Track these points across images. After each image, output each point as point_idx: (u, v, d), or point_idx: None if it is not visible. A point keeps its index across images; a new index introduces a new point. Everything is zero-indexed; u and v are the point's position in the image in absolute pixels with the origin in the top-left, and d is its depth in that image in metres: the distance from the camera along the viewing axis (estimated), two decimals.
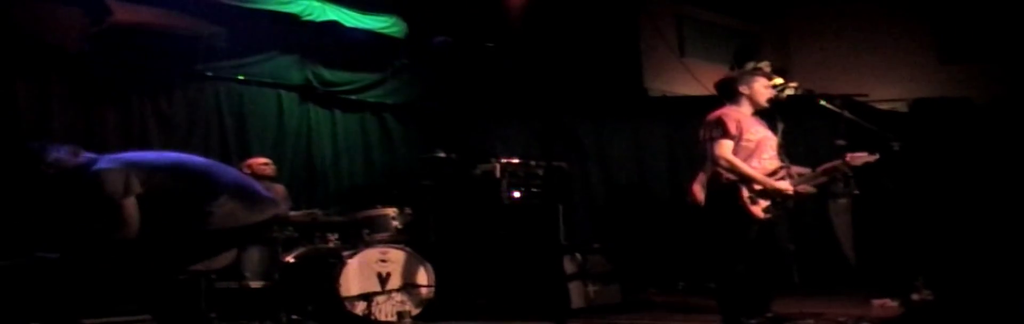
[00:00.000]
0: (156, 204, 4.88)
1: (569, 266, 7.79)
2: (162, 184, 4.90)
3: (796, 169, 6.00)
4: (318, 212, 7.87)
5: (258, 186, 5.25)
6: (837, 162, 5.96)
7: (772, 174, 5.85)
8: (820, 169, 6.05)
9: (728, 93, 6.09)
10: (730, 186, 5.73)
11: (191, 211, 4.90)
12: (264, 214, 4.99)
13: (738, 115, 5.94)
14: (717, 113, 5.97)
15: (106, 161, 4.97)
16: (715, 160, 5.77)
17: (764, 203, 5.74)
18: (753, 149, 5.85)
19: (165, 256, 4.93)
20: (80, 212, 5.16)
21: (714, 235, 6.06)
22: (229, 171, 5.19)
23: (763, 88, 6.04)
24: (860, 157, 5.90)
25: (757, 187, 5.74)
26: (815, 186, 6.13)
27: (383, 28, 9.62)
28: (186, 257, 4.97)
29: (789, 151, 8.48)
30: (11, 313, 5.51)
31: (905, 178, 7.76)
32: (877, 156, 5.91)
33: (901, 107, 11.60)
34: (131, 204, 4.78)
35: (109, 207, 4.79)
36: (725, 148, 5.76)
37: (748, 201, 5.70)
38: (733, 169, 5.72)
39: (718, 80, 6.29)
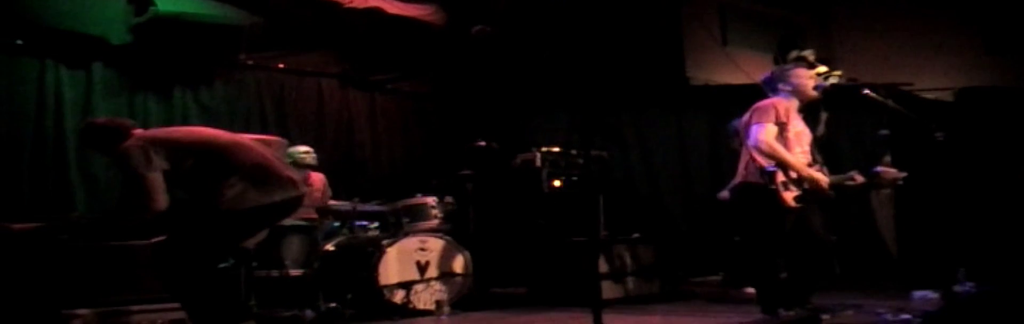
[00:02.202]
0: (176, 182, 4.94)
1: (607, 256, 7.77)
2: (184, 162, 4.95)
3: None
4: (358, 201, 7.89)
5: (280, 166, 5.20)
6: (853, 176, 5.93)
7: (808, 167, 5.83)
8: (834, 179, 6.00)
9: (771, 89, 6.08)
10: (768, 172, 5.70)
11: (206, 191, 4.94)
12: (274, 196, 4.95)
13: (787, 105, 5.92)
14: (768, 100, 5.96)
15: (136, 137, 5.03)
16: (756, 143, 5.75)
17: (796, 191, 5.70)
18: (792, 140, 5.83)
19: (187, 238, 4.96)
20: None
21: (749, 223, 6.04)
22: (251, 150, 5.16)
23: (805, 79, 6.02)
24: (891, 173, 5.86)
25: (793, 174, 5.71)
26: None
27: (424, 16, 9.63)
28: (207, 239, 4.97)
29: (833, 140, 8.45)
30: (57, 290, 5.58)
31: (950, 168, 7.68)
32: (905, 174, 5.86)
33: (947, 96, 11.46)
34: (155, 178, 4.83)
35: (135, 181, 4.86)
36: (769, 133, 5.74)
37: (781, 186, 5.67)
38: (773, 154, 5.70)
39: (762, 78, 6.26)
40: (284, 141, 5.78)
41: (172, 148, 4.98)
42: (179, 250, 4.92)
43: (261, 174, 5.00)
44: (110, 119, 5.43)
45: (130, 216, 4.98)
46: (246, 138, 5.37)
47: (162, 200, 4.84)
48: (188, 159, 4.97)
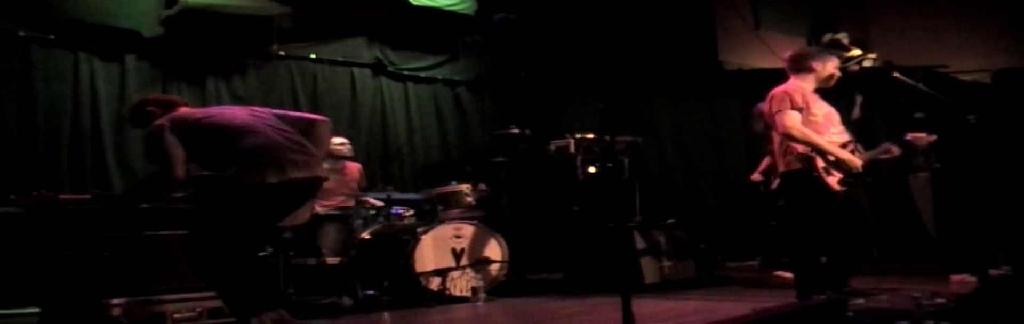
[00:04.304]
0: (194, 159, 5.11)
1: (642, 242, 7.77)
2: (194, 141, 5.06)
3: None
4: (392, 189, 7.94)
5: (287, 149, 5.19)
6: (889, 148, 5.91)
7: (842, 147, 5.81)
8: (870, 154, 5.99)
9: (799, 67, 6.05)
10: (804, 158, 5.70)
11: (214, 171, 5.05)
12: (269, 178, 4.96)
13: (802, 89, 5.92)
14: (781, 88, 5.96)
15: (165, 117, 5.20)
16: (786, 131, 5.74)
17: (838, 175, 5.70)
18: (821, 123, 5.82)
19: (208, 222, 5.05)
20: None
21: (796, 209, 6.02)
22: (259, 134, 5.19)
23: (833, 68, 6.00)
24: (921, 138, 5.83)
25: (830, 158, 5.71)
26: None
27: (453, 5, 9.63)
28: (225, 221, 5.04)
29: (869, 123, 8.39)
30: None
31: (987, 151, 7.61)
32: (934, 137, 5.83)
33: (984, 78, 11.34)
34: (173, 151, 5.01)
35: (156, 153, 5.06)
36: (794, 119, 5.74)
37: (823, 172, 5.67)
38: (806, 140, 5.69)
39: (792, 53, 6.22)
40: (326, 121, 5.77)
41: (185, 128, 5.10)
42: (206, 235, 4.99)
43: (260, 157, 5.02)
44: (157, 97, 5.60)
45: (158, 185, 5.16)
46: (270, 118, 5.40)
47: (180, 170, 5.02)
48: (198, 139, 5.08)
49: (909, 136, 5.86)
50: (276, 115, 5.53)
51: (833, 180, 5.71)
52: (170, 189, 5.29)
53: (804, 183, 5.80)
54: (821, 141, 5.73)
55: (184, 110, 5.38)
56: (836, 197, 5.75)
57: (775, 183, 7.41)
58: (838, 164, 5.75)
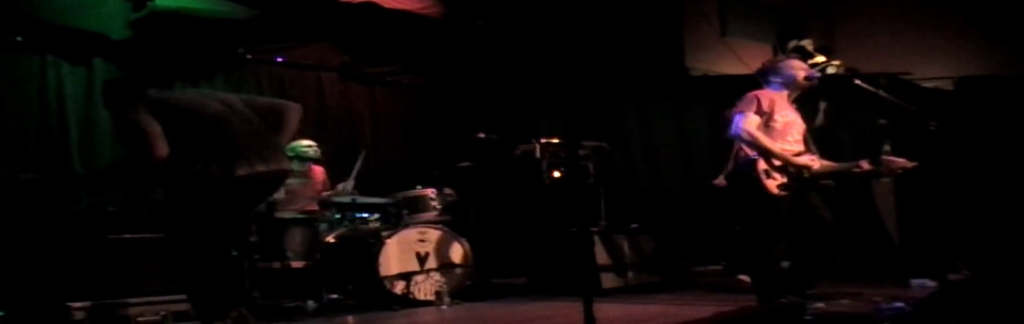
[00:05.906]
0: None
1: (607, 246, 7.81)
2: (162, 121, 5.05)
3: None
4: (357, 193, 7.94)
5: (249, 141, 5.20)
6: (860, 164, 5.95)
7: (796, 156, 5.88)
8: (841, 166, 6.05)
9: (765, 81, 6.16)
10: (749, 160, 5.78)
11: (179, 161, 5.05)
12: (237, 171, 4.98)
13: (774, 96, 5.99)
14: (754, 92, 6.03)
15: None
16: (737, 132, 5.84)
17: (780, 179, 5.77)
18: (780, 130, 5.89)
19: (175, 217, 5.07)
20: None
21: (743, 212, 6.10)
22: (227, 127, 5.20)
23: (796, 70, 6.07)
24: (898, 163, 5.88)
25: (776, 162, 5.78)
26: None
27: (421, 9, 9.64)
28: (191, 214, 5.06)
29: (833, 129, 8.46)
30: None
31: (949, 158, 7.68)
32: (915, 164, 5.89)
33: (946, 85, 11.45)
34: (152, 128, 5.00)
35: (135, 132, 5.06)
36: (750, 122, 5.83)
37: (763, 174, 5.74)
38: (754, 142, 5.78)
39: (757, 71, 6.32)
40: (296, 107, 5.80)
41: (159, 105, 5.11)
42: (178, 233, 5.01)
43: (229, 149, 5.05)
44: (128, 78, 5.59)
45: (136, 165, 5.16)
46: (238, 104, 5.41)
47: (162, 147, 4.99)
48: (168, 120, 5.07)
49: (884, 158, 5.91)
50: (244, 101, 5.56)
51: (772, 183, 5.78)
52: (148, 170, 5.25)
53: (744, 184, 5.88)
54: (769, 144, 5.81)
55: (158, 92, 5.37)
56: (778, 201, 5.82)
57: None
58: (783, 169, 5.83)
